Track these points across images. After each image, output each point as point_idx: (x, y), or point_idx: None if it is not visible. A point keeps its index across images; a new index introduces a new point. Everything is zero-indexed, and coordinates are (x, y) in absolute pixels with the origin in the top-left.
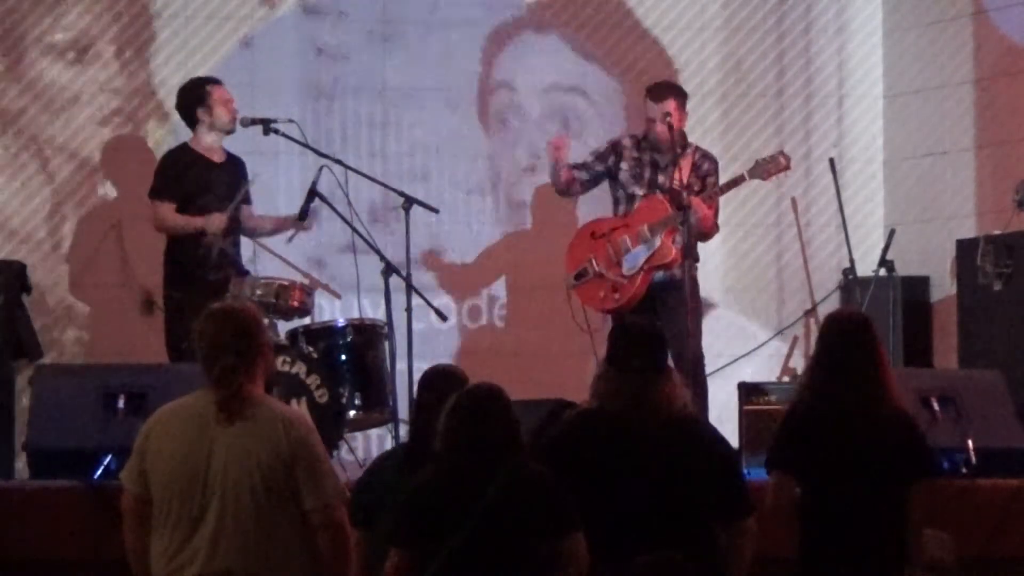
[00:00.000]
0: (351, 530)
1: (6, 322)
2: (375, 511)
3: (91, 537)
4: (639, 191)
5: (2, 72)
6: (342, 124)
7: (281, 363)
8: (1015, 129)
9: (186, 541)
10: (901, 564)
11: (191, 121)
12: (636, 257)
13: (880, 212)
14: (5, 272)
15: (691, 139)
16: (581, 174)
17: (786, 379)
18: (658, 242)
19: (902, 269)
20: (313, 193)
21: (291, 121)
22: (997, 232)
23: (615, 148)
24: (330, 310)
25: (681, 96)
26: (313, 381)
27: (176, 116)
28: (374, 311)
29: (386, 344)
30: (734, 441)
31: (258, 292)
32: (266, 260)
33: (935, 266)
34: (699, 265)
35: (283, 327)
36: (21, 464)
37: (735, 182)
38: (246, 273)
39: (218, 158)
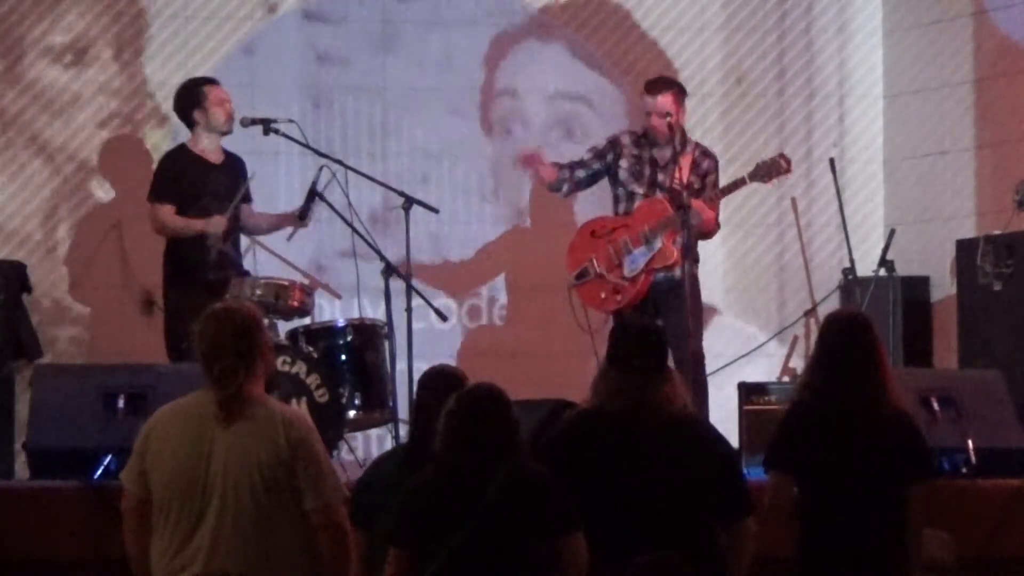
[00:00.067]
0: (351, 530)
1: (6, 322)
2: (375, 511)
3: (91, 537)
4: (639, 190)
5: (0, 73)
6: (342, 128)
7: (281, 363)
8: (1015, 129)
9: (186, 541)
10: (900, 565)
11: (188, 122)
12: (637, 259)
13: (880, 212)
14: (5, 272)
15: (691, 138)
16: (578, 172)
17: (786, 379)
18: (659, 244)
19: (902, 269)
20: (313, 193)
21: (291, 121)
22: (997, 232)
23: (613, 145)
24: (330, 310)
25: (678, 91)
26: (313, 381)
27: (175, 118)
28: (374, 311)
29: (386, 344)
30: (734, 441)
31: (258, 292)
32: (266, 260)
33: (935, 266)
34: (699, 265)
35: (283, 327)
36: (21, 464)
37: (736, 185)
38: (246, 273)
39: (217, 159)
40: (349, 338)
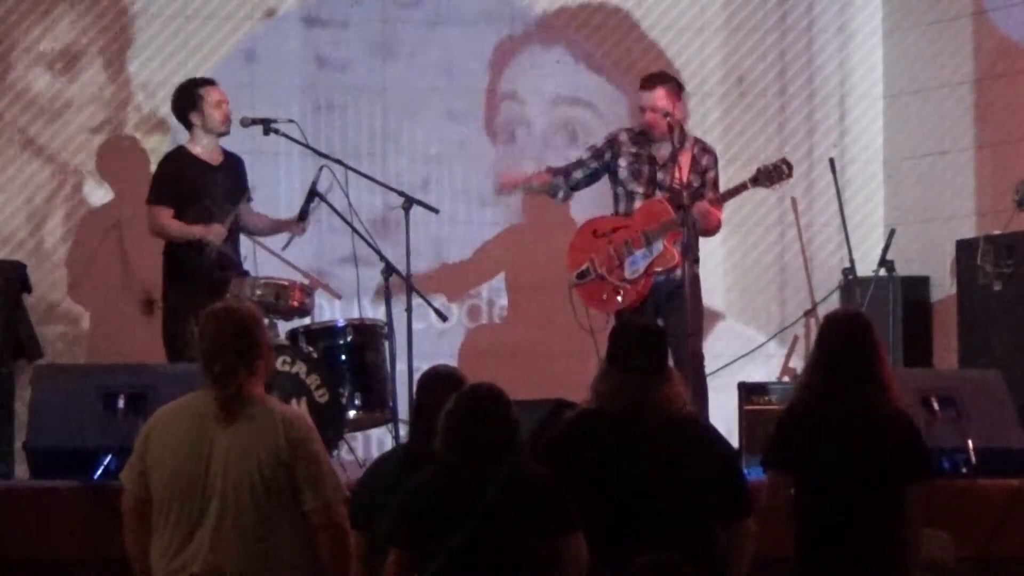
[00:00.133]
0: (351, 530)
1: (6, 322)
2: (375, 511)
3: (91, 537)
4: (639, 189)
5: None
6: (342, 130)
7: (281, 363)
8: (1015, 129)
9: (186, 541)
10: (899, 565)
11: (186, 124)
12: (638, 261)
13: (880, 212)
14: (5, 272)
15: (690, 134)
16: (575, 174)
17: (786, 379)
18: (660, 247)
19: (902, 269)
20: (313, 193)
21: (291, 121)
22: (997, 232)
23: (612, 144)
24: (330, 310)
25: (672, 86)
26: (313, 381)
27: (174, 121)
28: (374, 314)
29: (386, 344)
30: (734, 441)
31: (258, 292)
32: (266, 260)
33: (935, 266)
34: (699, 265)
35: (283, 327)
36: (21, 464)
37: (737, 190)
38: (246, 273)
39: (216, 160)
40: (349, 338)
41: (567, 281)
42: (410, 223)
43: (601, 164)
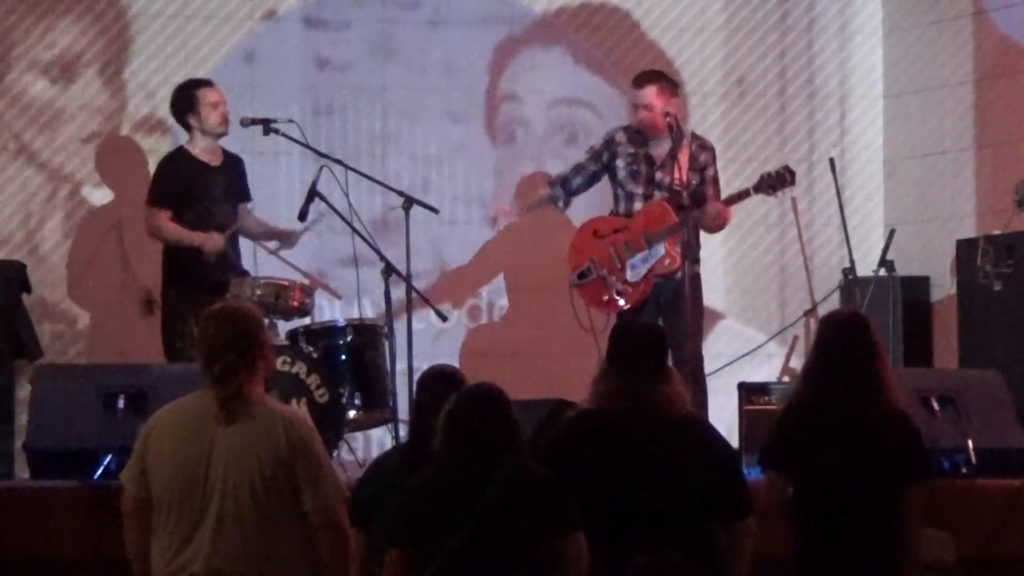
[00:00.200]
0: (351, 530)
1: (6, 322)
2: (375, 511)
3: (91, 537)
4: (638, 190)
5: None
6: (342, 132)
7: (281, 363)
8: (1015, 129)
9: (186, 541)
10: (898, 566)
11: (184, 126)
12: (639, 264)
13: (880, 212)
14: (5, 272)
15: (686, 130)
16: (575, 180)
17: (786, 379)
18: (661, 251)
19: (902, 269)
20: (313, 193)
21: (291, 121)
22: (997, 232)
23: (609, 145)
24: (330, 310)
25: (664, 84)
26: (313, 381)
27: (173, 122)
28: (374, 311)
29: (386, 344)
30: (734, 441)
31: (258, 292)
32: (266, 260)
33: (935, 266)
34: (699, 264)
35: (283, 327)
36: (21, 464)
37: (740, 196)
38: (246, 273)
39: (216, 160)
40: (349, 338)
41: (568, 281)
42: (410, 223)
43: (600, 166)
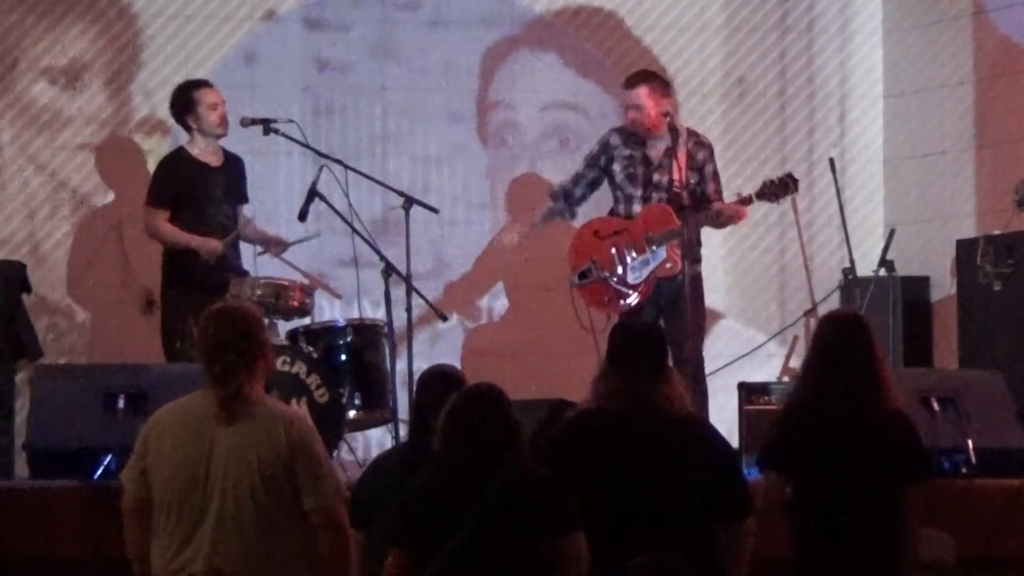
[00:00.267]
0: (351, 530)
1: (6, 322)
2: (375, 511)
3: (91, 537)
4: (636, 192)
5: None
6: (342, 134)
7: (281, 363)
8: (1015, 129)
9: (186, 541)
10: (898, 566)
11: (184, 126)
12: (640, 267)
13: (880, 212)
14: (5, 272)
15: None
16: (575, 191)
17: (786, 379)
18: (663, 254)
19: (902, 269)
20: (313, 193)
21: (291, 121)
22: (997, 232)
23: (605, 148)
24: (330, 310)
25: (656, 84)
26: (313, 381)
27: (173, 122)
28: (374, 311)
29: (386, 344)
30: (734, 441)
31: (258, 292)
32: (266, 260)
33: (935, 266)
34: (700, 264)
35: (283, 327)
36: (21, 464)
37: (743, 203)
38: (246, 273)
39: (216, 161)
40: (349, 338)
41: (569, 280)
42: (410, 223)
43: (598, 171)
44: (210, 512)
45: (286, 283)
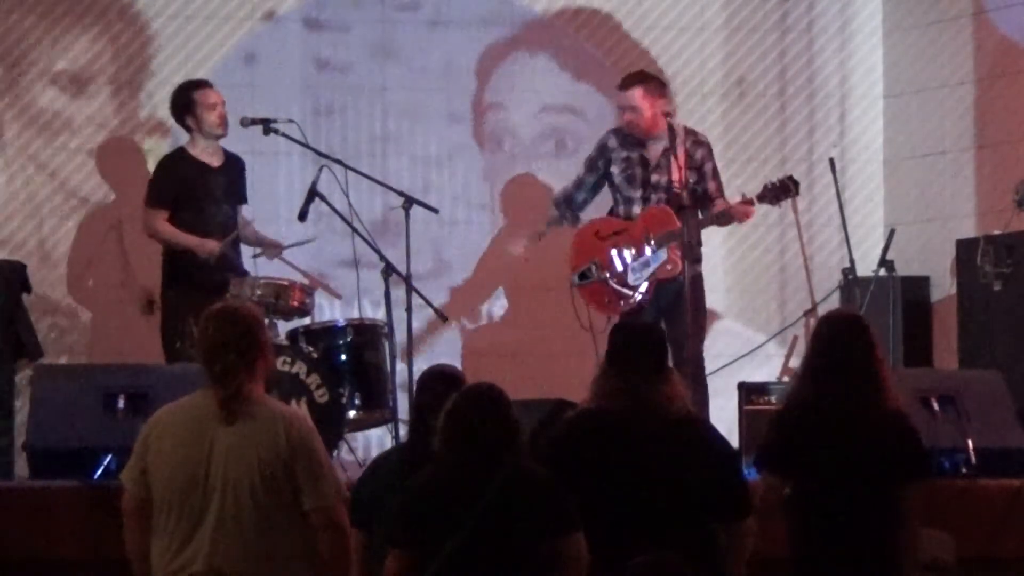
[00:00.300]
0: (351, 530)
1: (6, 322)
2: (375, 511)
3: (91, 537)
4: (635, 194)
5: (2, 91)
6: (342, 134)
7: (281, 363)
8: (1015, 129)
9: (186, 541)
10: (897, 566)
11: (184, 127)
12: (641, 269)
13: (880, 212)
14: (5, 272)
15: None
16: (577, 196)
17: (786, 379)
18: (664, 256)
19: (902, 269)
20: (313, 193)
21: (291, 121)
22: (997, 232)
23: (602, 151)
24: (330, 310)
25: (651, 85)
26: (313, 381)
27: (173, 122)
28: (374, 311)
29: (386, 344)
30: (734, 441)
31: (258, 292)
32: (266, 260)
33: (935, 266)
34: (701, 264)
35: (283, 327)
36: (21, 464)
37: (745, 204)
38: (246, 273)
39: (216, 161)
40: (349, 338)
41: (569, 280)
42: (410, 223)
43: (598, 175)
44: (210, 512)
45: (286, 283)
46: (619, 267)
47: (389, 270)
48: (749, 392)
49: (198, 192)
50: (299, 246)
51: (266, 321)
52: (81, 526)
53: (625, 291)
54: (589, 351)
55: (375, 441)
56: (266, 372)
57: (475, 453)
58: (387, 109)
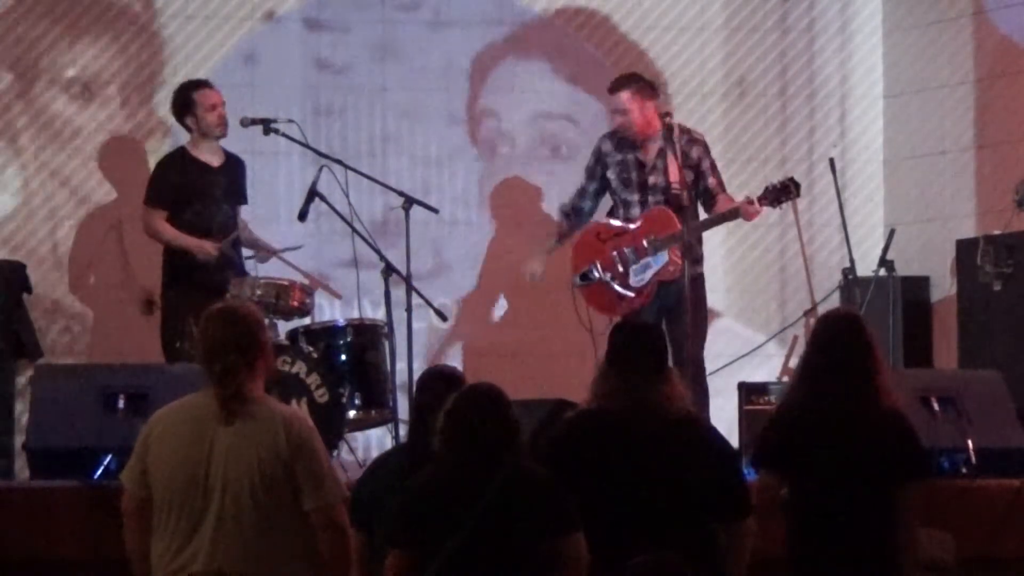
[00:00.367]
0: (351, 530)
1: (6, 322)
2: (375, 511)
3: (91, 537)
4: (632, 196)
5: (12, 98)
6: (342, 134)
7: (281, 363)
8: (1015, 129)
9: (187, 541)
10: (897, 566)
11: (184, 127)
12: (642, 271)
13: (880, 212)
14: (5, 272)
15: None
16: (581, 204)
17: (786, 379)
18: (665, 258)
19: (902, 269)
20: (313, 193)
21: (291, 121)
22: (997, 232)
23: (598, 157)
24: (330, 310)
25: (640, 87)
26: (313, 381)
27: (174, 122)
28: (374, 311)
29: (386, 344)
30: (734, 441)
31: (258, 292)
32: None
33: (935, 266)
34: (701, 264)
35: (283, 327)
36: (21, 464)
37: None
38: (246, 273)
39: (217, 161)
40: (349, 338)
41: (571, 280)
42: (410, 224)
43: (599, 182)
44: (210, 512)
45: (286, 283)
46: (621, 268)
47: (389, 270)
48: (749, 392)
49: (198, 192)
50: (289, 251)
51: (266, 321)
52: (81, 526)
53: (627, 292)
54: (589, 351)
55: (375, 441)
56: (266, 372)
57: (475, 453)
58: (387, 109)
